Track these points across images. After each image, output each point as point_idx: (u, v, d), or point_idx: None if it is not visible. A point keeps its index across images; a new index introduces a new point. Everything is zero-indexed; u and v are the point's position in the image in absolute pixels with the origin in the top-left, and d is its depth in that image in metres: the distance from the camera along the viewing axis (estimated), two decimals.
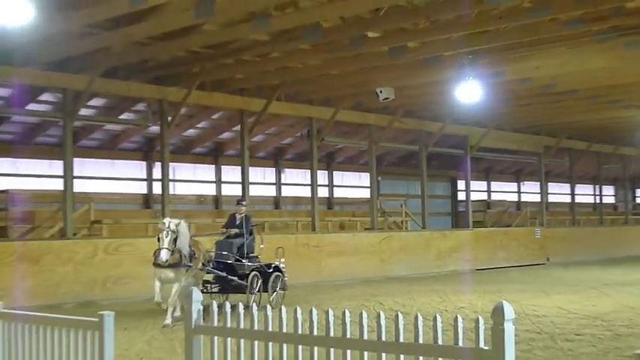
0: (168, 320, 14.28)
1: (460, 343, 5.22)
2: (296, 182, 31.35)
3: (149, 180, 27.62)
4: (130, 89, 22.20)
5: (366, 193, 31.13)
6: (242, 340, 6.57)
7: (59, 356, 7.63)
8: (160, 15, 16.93)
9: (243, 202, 16.38)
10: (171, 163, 23.66)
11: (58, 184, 22.07)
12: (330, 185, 33.15)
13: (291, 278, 22.90)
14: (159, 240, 14.38)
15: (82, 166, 24.39)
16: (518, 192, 42.44)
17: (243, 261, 16.59)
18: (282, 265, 17.87)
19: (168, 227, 14.22)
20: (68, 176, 20.54)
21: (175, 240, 14.38)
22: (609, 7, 16.38)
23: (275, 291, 17.10)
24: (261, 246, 17.93)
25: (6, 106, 21.77)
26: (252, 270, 16.69)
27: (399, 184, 33.95)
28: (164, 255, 14.08)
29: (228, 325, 6.74)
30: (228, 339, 6.67)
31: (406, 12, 17.30)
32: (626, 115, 31.08)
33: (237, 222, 15.16)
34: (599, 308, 16.31)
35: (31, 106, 22.22)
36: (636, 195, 47.44)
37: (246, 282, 16.35)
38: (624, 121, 32.61)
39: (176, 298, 14.64)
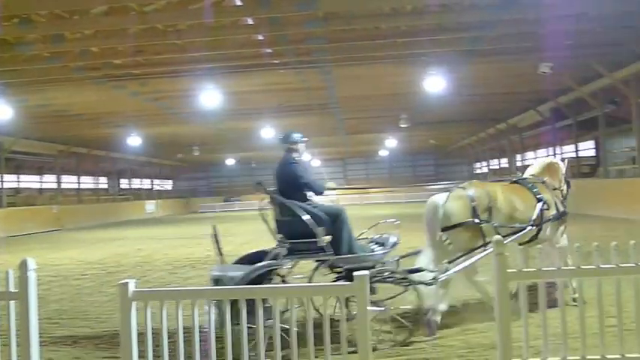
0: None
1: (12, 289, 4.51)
2: None
3: None
4: None
5: None
6: None
7: None
8: None
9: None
10: None
11: None
12: None
13: None
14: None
15: None
16: (18, 181, 37.13)
17: None
18: None
19: None
20: None
21: None
22: (103, 61, 15.94)
23: None
24: None
25: None
26: None
27: None
28: None
29: None
30: None
31: None
32: (112, 132, 30.47)
33: None
34: (98, 256, 15.60)
35: None
36: (120, 183, 47.10)
37: None
38: (111, 135, 31.82)
39: None
